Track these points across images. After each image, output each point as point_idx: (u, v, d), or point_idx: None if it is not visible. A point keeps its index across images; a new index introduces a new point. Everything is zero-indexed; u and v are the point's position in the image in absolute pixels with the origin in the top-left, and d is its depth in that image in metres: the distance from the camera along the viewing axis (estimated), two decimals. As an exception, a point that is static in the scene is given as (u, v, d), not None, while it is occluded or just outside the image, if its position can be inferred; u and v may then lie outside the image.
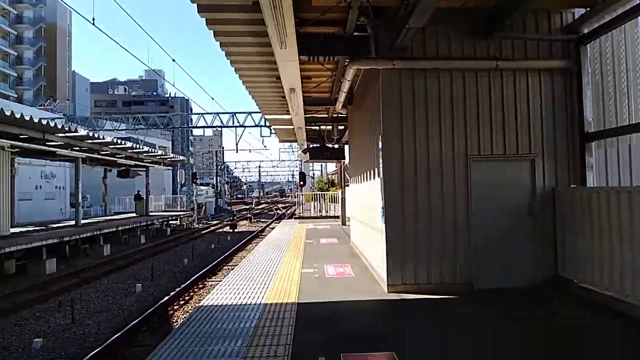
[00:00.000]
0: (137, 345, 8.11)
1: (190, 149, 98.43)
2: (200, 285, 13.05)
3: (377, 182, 6.76)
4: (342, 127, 14.73)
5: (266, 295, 6.55)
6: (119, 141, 21.90)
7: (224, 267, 16.02)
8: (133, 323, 8.95)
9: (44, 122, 16.22)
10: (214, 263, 16.03)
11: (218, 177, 59.92)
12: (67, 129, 17.98)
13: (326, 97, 10.76)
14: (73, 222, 24.15)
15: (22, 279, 14.52)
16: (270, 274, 8.27)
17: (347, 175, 25.89)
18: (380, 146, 6.22)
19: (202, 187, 59.85)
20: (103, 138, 20.02)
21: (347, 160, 28.56)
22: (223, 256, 17.67)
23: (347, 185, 22.97)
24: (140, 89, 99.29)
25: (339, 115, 13.11)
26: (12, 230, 18.22)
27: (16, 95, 61.06)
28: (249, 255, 11.60)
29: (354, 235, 11.33)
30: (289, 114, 12.16)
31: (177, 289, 12.09)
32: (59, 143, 18.68)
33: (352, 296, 6.26)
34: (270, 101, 11.26)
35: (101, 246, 19.95)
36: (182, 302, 11.20)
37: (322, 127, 14.21)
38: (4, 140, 15.62)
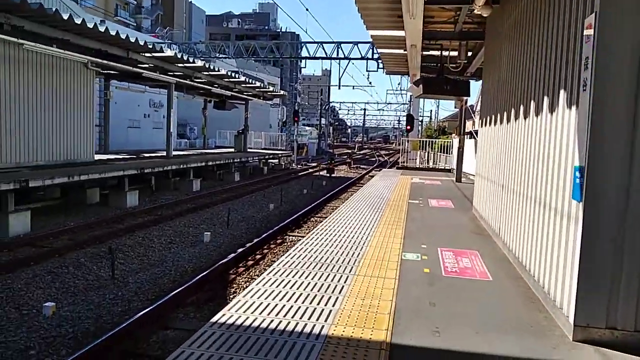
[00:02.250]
0: (172, 328, 5.99)
1: (297, 87, 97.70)
2: (279, 240, 10.85)
3: (568, 116, 3.55)
4: (471, 53, 11.13)
5: (342, 297, 3.93)
6: (214, 67, 20.02)
7: (311, 219, 13.72)
8: (174, 292, 6.87)
9: (132, 39, 14.53)
10: (300, 213, 13.78)
11: (322, 118, 57.79)
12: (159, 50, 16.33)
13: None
14: (180, 152, 23.49)
15: (99, 210, 13.46)
16: (355, 249, 5.57)
17: (473, 116, 21.67)
18: (589, 36, 3.09)
19: (307, 128, 58.46)
20: (193, 62, 18.14)
21: (474, 98, 24.29)
22: (312, 205, 15.38)
23: (469, 133, 19.20)
24: (253, 23, 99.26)
25: (472, 27, 9.60)
26: (100, 157, 17.46)
27: (135, 24, 62.82)
28: (340, 209, 8.96)
29: (481, 201, 8.11)
30: (401, 29, 8.97)
31: (248, 245, 9.95)
32: (148, 65, 17.18)
33: (494, 339, 3.27)
34: (378, 4, 8.14)
35: (190, 181, 18.70)
36: (250, 263, 9.02)
37: (443, 52, 10.74)
38: (83, 56, 14.18)
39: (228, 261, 8.68)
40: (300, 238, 10.99)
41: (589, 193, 3.12)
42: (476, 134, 20.75)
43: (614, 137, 3.08)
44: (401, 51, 12.63)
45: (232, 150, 28.49)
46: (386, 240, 6.14)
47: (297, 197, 17.96)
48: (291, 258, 5.12)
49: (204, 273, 7.82)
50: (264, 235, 10.74)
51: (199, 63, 18.71)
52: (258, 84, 24.90)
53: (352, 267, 4.78)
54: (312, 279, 4.43)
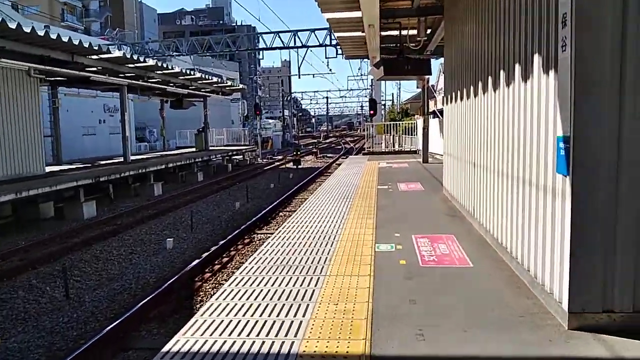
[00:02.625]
0: (134, 348, 5.48)
1: (258, 80, 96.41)
2: (247, 240, 10.38)
3: (545, 82, 3.18)
4: (430, 30, 10.82)
5: (313, 304, 3.51)
6: (166, 65, 19.18)
7: (280, 214, 13.29)
8: (135, 308, 6.34)
9: (76, 41, 13.62)
10: (267, 209, 13.30)
11: (285, 110, 57.12)
12: (105, 51, 15.41)
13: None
14: (138, 157, 22.56)
15: (54, 224, 12.65)
16: (325, 246, 5.16)
17: (435, 95, 21.46)
18: None
19: (270, 120, 57.75)
20: (144, 61, 17.30)
21: (435, 77, 24.02)
22: (280, 199, 14.92)
23: (433, 112, 19.03)
24: (207, 19, 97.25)
25: (430, 3, 9.26)
26: (52, 168, 16.51)
27: (84, 27, 60.45)
28: (308, 202, 8.53)
29: (451, 181, 7.81)
30: (358, 10, 8.57)
31: (214, 248, 9.43)
32: (97, 68, 16.29)
33: (484, 337, 2.93)
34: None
35: (151, 185, 17.93)
36: (217, 267, 8.53)
37: (402, 31, 10.39)
38: (23, 64, 13.23)
39: (193, 268, 8.16)
40: (268, 235, 10.56)
41: (577, 165, 2.76)
42: (440, 113, 20.64)
43: (601, 99, 2.72)
44: (359, 33, 12.24)
45: (194, 149, 27.69)
46: (358, 232, 5.74)
47: (264, 193, 17.46)
48: (256, 263, 4.67)
49: (167, 284, 7.30)
50: (230, 237, 10.24)
51: (151, 62, 17.87)
52: (215, 79, 24.14)
53: (322, 267, 4.36)
54: (279, 285, 3.99)
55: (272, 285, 3.97)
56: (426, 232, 5.50)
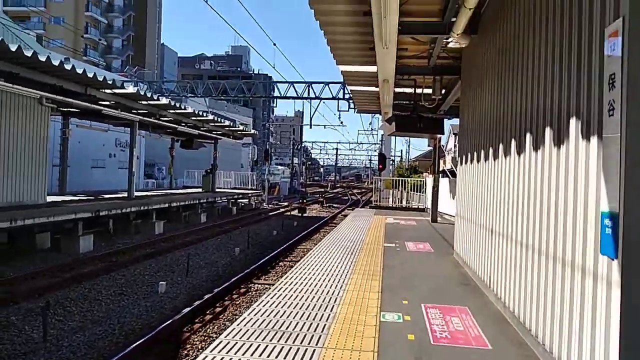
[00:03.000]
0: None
1: (270, 127, 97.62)
2: (243, 289, 9.87)
3: (585, 149, 2.77)
4: (444, 90, 10.66)
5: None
6: (180, 105, 19.23)
7: (280, 264, 12.79)
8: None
9: (90, 74, 13.65)
10: (267, 258, 12.82)
11: (294, 157, 57.34)
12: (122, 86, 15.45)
13: (434, 19, 6.84)
14: (144, 193, 22.33)
15: (49, 256, 12.27)
16: (325, 310, 4.69)
17: (445, 155, 21.24)
18: (614, 48, 2.37)
19: (279, 167, 57.91)
20: (157, 99, 17.35)
21: (444, 137, 23.85)
22: (281, 248, 14.45)
23: (443, 171, 18.77)
24: (225, 65, 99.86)
25: (447, 62, 9.13)
26: (55, 198, 16.25)
27: (105, 64, 62.08)
28: (310, 255, 8.10)
29: (463, 245, 7.36)
30: (373, 64, 8.45)
31: (207, 296, 8.93)
32: (109, 102, 16.33)
33: None
34: (349, 36, 7.58)
35: (153, 223, 17.59)
36: (208, 317, 8.01)
37: (416, 89, 10.25)
38: (36, 92, 13.21)
39: (182, 317, 7.65)
40: (266, 287, 10.05)
41: (627, 247, 2.38)
42: (450, 173, 20.43)
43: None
44: (373, 88, 12.17)
45: (200, 190, 27.46)
46: (361, 296, 5.29)
47: (266, 239, 17.00)
48: (245, 325, 4.21)
49: (152, 333, 6.78)
50: (225, 285, 9.74)
51: (164, 101, 17.92)
52: (227, 122, 24.21)
53: (320, 336, 3.90)
54: (268, 357, 3.51)
55: (259, 357, 3.49)
56: (437, 302, 5.04)
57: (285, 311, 4.62)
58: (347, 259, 7.61)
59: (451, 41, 6.76)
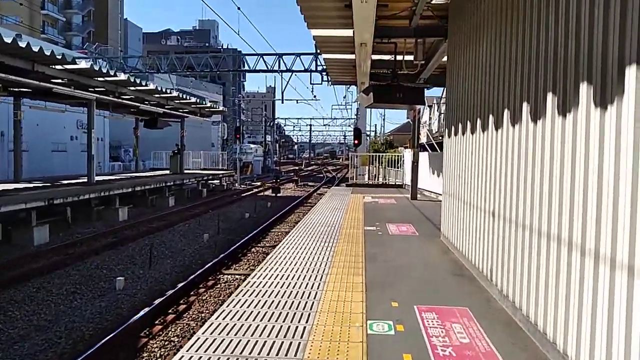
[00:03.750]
0: None
1: (241, 104, 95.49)
2: (211, 282, 9.01)
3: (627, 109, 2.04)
4: (427, 55, 9.77)
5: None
6: (145, 83, 17.89)
7: (252, 250, 11.94)
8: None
9: (35, 48, 12.29)
10: (238, 244, 11.95)
11: (267, 135, 56.06)
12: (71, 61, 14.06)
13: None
14: (107, 177, 21.09)
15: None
16: (299, 320, 3.85)
17: (423, 127, 20.27)
18: None
19: (252, 145, 56.48)
20: (115, 75, 16.02)
21: (421, 110, 22.89)
22: (253, 232, 13.58)
23: (421, 145, 18.06)
24: (193, 40, 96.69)
25: (432, 22, 8.23)
26: (6, 186, 14.95)
27: (65, 41, 59.04)
28: (284, 243, 7.28)
29: (453, 227, 6.66)
30: (348, 27, 7.52)
31: (170, 292, 8.04)
32: (63, 79, 14.95)
33: None
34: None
35: (116, 209, 16.46)
36: (170, 317, 7.13)
37: (396, 55, 9.35)
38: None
39: (140, 318, 6.75)
40: (236, 278, 9.22)
41: None
42: (430, 147, 19.78)
43: None
44: (348, 56, 11.25)
45: (167, 172, 26.22)
46: (342, 297, 4.48)
47: (238, 223, 16.08)
48: (211, 334, 3.35)
49: (102, 342, 5.87)
50: (191, 277, 8.84)
51: (122, 77, 16.58)
52: (193, 99, 22.89)
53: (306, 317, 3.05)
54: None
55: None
56: (432, 302, 4.27)
57: (250, 325, 3.77)
58: (324, 247, 6.79)
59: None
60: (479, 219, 5.28)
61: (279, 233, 14.18)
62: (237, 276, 9.40)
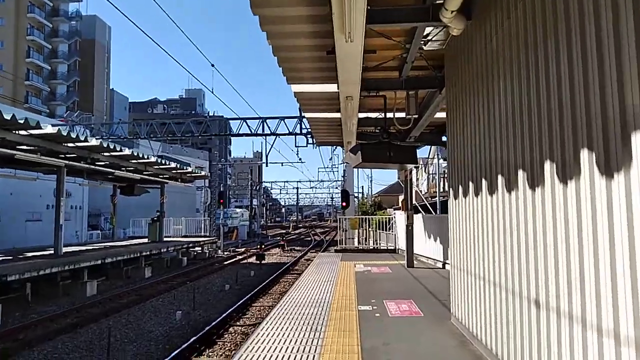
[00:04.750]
0: None
1: (228, 169, 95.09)
2: (178, 374, 7.58)
3: None
4: (419, 110, 8.93)
5: None
6: (115, 146, 16.92)
7: (229, 330, 10.52)
8: None
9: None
10: (215, 322, 10.54)
11: (253, 199, 55.02)
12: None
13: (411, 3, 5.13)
14: (78, 248, 19.62)
15: None
16: None
17: (423, 189, 19.38)
18: None
19: (237, 210, 55.22)
20: (85, 140, 15.08)
21: (419, 168, 22.11)
22: (232, 308, 12.19)
23: (416, 208, 17.07)
24: (179, 108, 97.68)
25: (424, 72, 7.46)
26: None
27: (48, 111, 58.81)
28: (261, 334, 5.96)
29: (471, 311, 5.41)
30: (332, 82, 6.72)
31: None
32: (30, 147, 13.98)
33: None
34: (301, 39, 5.80)
35: (84, 284, 15.00)
36: None
37: (386, 108, 8.51)
38: None
39: None
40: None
41: None
42: (422, 208, 18.82)
43: None
44: (333, 114, 10.45)
45: (146, 240, 24.80)
46: None
47: (217, 297, 14.62)
48: None
49: None
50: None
51: (94, 142, 15.63)
52: (174, 164, 21.94)
53: None
54: None
55: None
56: None
57: None
58: (309, 342, 5.51)
59: (439, 31, 5.02)
60: (507, 303, 4.14)
61: (261, 307, 12.79)
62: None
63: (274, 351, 5.07)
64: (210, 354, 8.85)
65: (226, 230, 43.34)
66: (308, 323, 6.34)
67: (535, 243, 3.52)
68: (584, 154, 2.74)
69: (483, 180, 4.75)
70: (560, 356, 3.11)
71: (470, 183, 5.24)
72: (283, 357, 4.81)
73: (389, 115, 8.83)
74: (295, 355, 4.81)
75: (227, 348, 9.13)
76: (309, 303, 7.89)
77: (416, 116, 7.98)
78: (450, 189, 6.15)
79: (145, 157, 19.42)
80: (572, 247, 2.95)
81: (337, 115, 10.28)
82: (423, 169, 33.20)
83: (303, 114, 11.32)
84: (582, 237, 2.83)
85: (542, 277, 3.44)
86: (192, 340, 9.15)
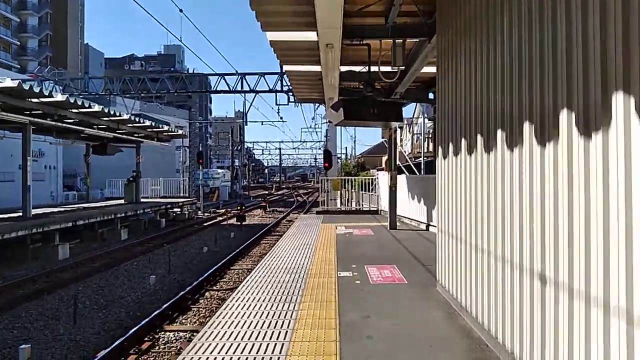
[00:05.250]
0: None
1: (209, 129, 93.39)
2: (146, 344, 7.14)
3: None
4: (407, 62, 8.25)
5: None
6: (83, 102, 15.96)
7: (206, 296, 10.09)
8: None
9: None
10: (190, 287, 10.09)
11: (235, 159, 54.16)
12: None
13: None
14: (50, 209, 18.98)
15: None
16: None
17: (407, 149, 18.84)
18: None
19: (219, 170, 54.40)
20: (50, 96, 14.13)
21: (403, 128, 21.62)
22: (209, 271, 11.75)
23: (399, 169, 16.59)
24: (157, 65, 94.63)
25: (413, 19, 6.77)
26: None
27: (19, 66, 56.27)
28: (233, 303, 5.49)
29: (458, 277, 4.98)
30: (311, 28, 6.03)
31: (83, 368, 6.14)
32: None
33: None
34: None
35: (55, 247, 14.38)
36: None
37: (370, 59, 7.82)
38: None
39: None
40: (180, 336, 7.40)
41: None
42: (406, 168, 18.42)
43: None
44: (314, 67, 9.72)
45: (122, 202, 24.11)
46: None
47: (194, 260, 14.15)
48: None
49: None
50: (119, 341, 6.94)
51: (60, 97, 14.67)
52: (148, 122, 21.00)
53: None
54: None
55: None
56: None
57: None
58: (283, 314, 5.03)
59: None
60: (504, 273, 3.67)
61: (240, 271, 12.39)
62: (180, 334, 7.56)
63: (242, 327, 4.59)
64: (183, 320, 8.42)
65: (207, 191, 42.64)
66: (284, 292, 5.86)
67: (531, 209, 3.04)
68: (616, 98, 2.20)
69: (478, 136, 4.20)
70: (558, 332, 2.67)
71: (463, 140, 4.70)
72: (251, 335, 4.33)
73: (374, 69, 8.17)
74: (266, 332, 4.34)
75: (201, 315, 8.71)
76: (286, 269, 7.42)
77: (403, 68, 7.32)
78: (439, 146, 5.60)
79: (118, 114, 18.48)
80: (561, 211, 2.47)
81: (318, 68, 9.57)
82: (407, 128, 32.66)
83: (283, 69, 10.55)
84: (590, 203, 2.34)
85: (528, 243, 2.99)
86: (164, 307, 8.68)
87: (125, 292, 10.39)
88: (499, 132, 3.69)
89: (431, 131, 23.98)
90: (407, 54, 7.50)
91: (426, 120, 25.17)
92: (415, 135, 30.72)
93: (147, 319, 7.95)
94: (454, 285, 5.09)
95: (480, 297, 4.21)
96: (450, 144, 5.19)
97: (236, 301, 5.53)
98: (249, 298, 5.63)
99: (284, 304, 5.27)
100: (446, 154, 5.32)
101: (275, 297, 5.61)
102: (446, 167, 5.37)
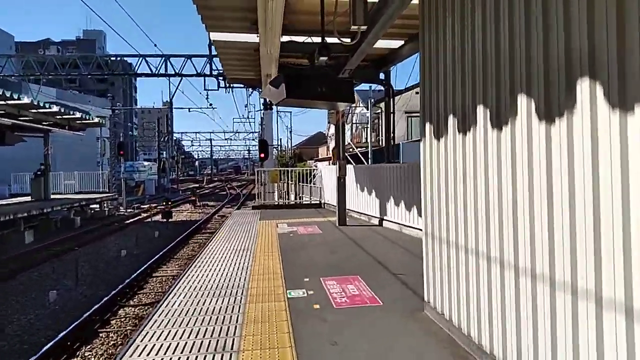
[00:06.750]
0: None
1: (134, 119, 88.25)
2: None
3: None
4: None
5: None
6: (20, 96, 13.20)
7: (119, 314, 8.22)
8: None
9: None
10: (98, 305, 8.16)
11: (162, 151, 50.93)
12: None
13: None
14: None
15: None
16: None
17: (328, 141, 17.38)
18: None
19: (145, 163, 50.88)
20: None
21: (327, 124, 20.14)
22: (126, 282, 9.82)
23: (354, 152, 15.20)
24: (76, 50, 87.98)
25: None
26: None
27: None
28: (155, 325, 3.82)
29: (461, 296, 3.55)
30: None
31: None
32: None
33: None
34: None
35: None
36: None
37: (324, 25, 6.30)
38: None
39: None
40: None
41: None
42: (354, 158, 17.15)
43: None
44: (248, 36, 8.10)
45: (29, 199, 21.16)
46: None
47: (108, 266, 12.06)
48: None
49: None
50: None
51: None
52: (56, 108, 18.24)
53: None
54: None
55: None
56: None
57: None
58: None
59: None
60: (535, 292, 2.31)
61: (164, 279, 10.56)
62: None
63: None
64: (87, 354, 6.55)
65: (132, 185, 39.49)
66: (212, 333, 4.15)
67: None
68: None
69: (487, 113, 2.80)
70: None
71: (455, 119, 3.29)
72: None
73: (328, 39, 6.63)
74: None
75: (110, 344, 6.86)
76: (217, 288, 5.70)
77: (364, 28, 5.83)
78: (427, 123, 4.16)
79: (16, 97, 15.72)
80: None
81: (254, 37, 7.94)
82: (346, 118, 31.56)
83: (211, 39, 8.75)
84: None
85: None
86: (60, 336, 6.75)
87: (13, 315, 8.26)
88: (522, 102, 2.31)
89: (375, 121, 22.95)
90: (370, 9, 6.02)
91: (364, 110, 24.07)
92: (355, 124, 29.66)
93: (40, 352, 6.03)
94: (455, 310, 3.70)
95: (508, 332, 2.85)
96: (442, 124, 3.76)
97: (142, 349, 3.83)
98: (159, 347, 3.91)
99: (212, 356, 3.60)
100: (441, 133, 3.87)
101: (200, 346, 3.90)
102: (442, 150, 3.91)
